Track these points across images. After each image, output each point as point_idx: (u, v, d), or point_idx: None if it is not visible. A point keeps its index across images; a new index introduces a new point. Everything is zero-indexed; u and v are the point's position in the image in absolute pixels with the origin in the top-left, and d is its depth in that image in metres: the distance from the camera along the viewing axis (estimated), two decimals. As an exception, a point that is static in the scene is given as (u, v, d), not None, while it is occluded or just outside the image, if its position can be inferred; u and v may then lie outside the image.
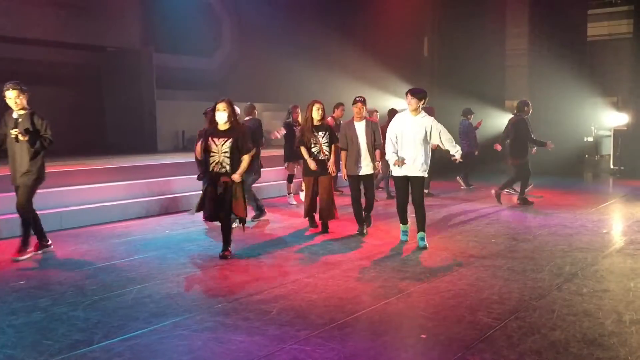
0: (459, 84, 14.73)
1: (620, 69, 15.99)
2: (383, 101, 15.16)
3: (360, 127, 7.29)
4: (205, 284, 5.46)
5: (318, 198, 7.54)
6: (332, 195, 7.54)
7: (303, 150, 7.47)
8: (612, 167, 15.19)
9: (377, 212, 8.42)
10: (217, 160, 6.05)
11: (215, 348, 3.89)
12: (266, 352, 3.79)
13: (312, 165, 7.40)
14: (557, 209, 9.46)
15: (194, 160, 8.22)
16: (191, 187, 9.35)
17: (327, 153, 7.47)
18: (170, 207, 9.36)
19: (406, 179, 6.68)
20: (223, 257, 6.21)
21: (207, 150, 6.12)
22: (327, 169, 7.47)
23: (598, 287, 5.14)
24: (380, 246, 6.82)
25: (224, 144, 6.03)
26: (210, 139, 6.08)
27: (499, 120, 13.89)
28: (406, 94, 6.63)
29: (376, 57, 15.61)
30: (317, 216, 7.66)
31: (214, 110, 6.23)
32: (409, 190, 6.73)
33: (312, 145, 7.44)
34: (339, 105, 10.59)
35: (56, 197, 8.23)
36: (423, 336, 4.08)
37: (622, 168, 14.64)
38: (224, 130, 6.09)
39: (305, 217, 7.85)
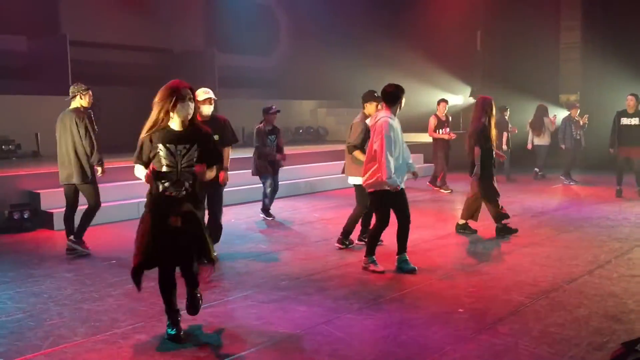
0: (511, 79, 14.94)
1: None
2: (434, 97, 15.58)
3: None
4: (269, 266, 6.19)
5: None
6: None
7: (478, 151, 7.26)
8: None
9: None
10: (173, 180, 3.99)
11: (281, 315, 4.59)
12: (325, 319, 4.46)
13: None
14: (603, 201, 9.76)
15: (251, 155, 8.85)
16: (245, 181, 10.07)
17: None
18: (231, 200, 10.16)
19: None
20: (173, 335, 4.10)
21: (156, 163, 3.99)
22: None
23: (627, 273, 5.58)
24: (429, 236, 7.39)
25: (186, 152, 3.99)
26: (159, 144, 3.98)
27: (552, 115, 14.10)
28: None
29: (428, 53, 15.97)
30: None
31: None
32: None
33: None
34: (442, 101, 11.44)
35: (131, 189, 9.16)
36: (460, 310, 4.67)
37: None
38: (185, 131, 4.02)
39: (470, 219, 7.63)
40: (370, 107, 6.55)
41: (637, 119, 10.00)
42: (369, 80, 16.71)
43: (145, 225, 3.99)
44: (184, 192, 4.00)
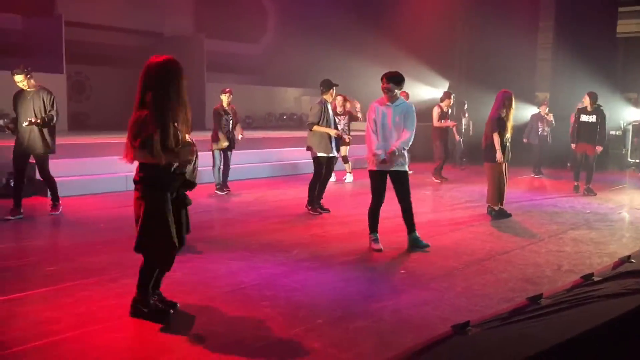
0: (489, 74, 15.51)
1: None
2: (415, 89, 16.27)
3: None
4: (243, 234, 6.92)
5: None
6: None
7: (497, 137, 7.83)
8: (629, 160, 16.04)
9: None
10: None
11: (248, 271, 5.34)
12: (285, 274, 5.22)
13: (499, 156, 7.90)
14: (558, 192, 10.61)
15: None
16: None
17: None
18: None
19: (385, 174, 6.16)
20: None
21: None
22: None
23: (554, 249, 6.39)
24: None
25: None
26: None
27: (527, 113, 14.89)
28: (382, 79, 6.14)
29: (409, 47, 16.61)
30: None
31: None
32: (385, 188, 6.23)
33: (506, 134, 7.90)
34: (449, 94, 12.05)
35: (122, 164, 9.83)
36: (402, 271, 5.46)
37: (638, 161, 15.50)
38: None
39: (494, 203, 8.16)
40: (327, 94, 7.99)
41: (594, 116, 10.71)
42: (351, 70, 17.51)
43: (163, 206, 3.88)
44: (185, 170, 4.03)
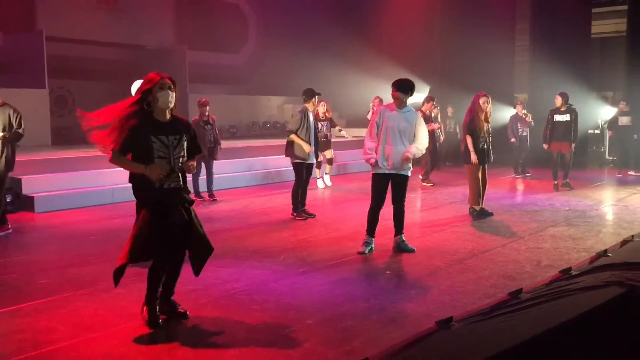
0: (468, 77, 15.73)
1: (617, 65, 17.11)
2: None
3: None
4: (230, 241, 7.04)
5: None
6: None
7: (469, 139, 8.12)
8: (607, 157, 16.40)
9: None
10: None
11: (237, 277, 5.46)
12: (274, 279, 5.35)
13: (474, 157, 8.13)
14: (538, 191, 10.86)
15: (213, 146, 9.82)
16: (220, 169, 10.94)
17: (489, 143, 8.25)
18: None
19: (389, 177, 6.30)
20: (178, 313, 4.34)
21: (143, 155, 3.99)
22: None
23: (534, 246, 6.60)
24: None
25: (177, 142, 4.09)
26: (151, 136, 4.00)
27: (507, 114, 15.17)
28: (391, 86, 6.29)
29: (390, 54, 16.91)
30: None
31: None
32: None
33: (481, 136, 8.12)
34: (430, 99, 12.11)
35: (108, 176, 9.90)
36: (388, 272, 5.63)
37: (615, 158, 15.84)
38: (170, 122, 4.14)
39: (474, 204, 8.32)
40: (309, 103, 8.16)
41: (567, 115, 11.04)
42: (333, 77, 17.73)
43: (145, 221, 3.96)
44: (181, 183, 4.10)
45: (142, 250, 3.96)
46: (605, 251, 5.79)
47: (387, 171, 6.23)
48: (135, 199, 4.18)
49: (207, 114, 9.89)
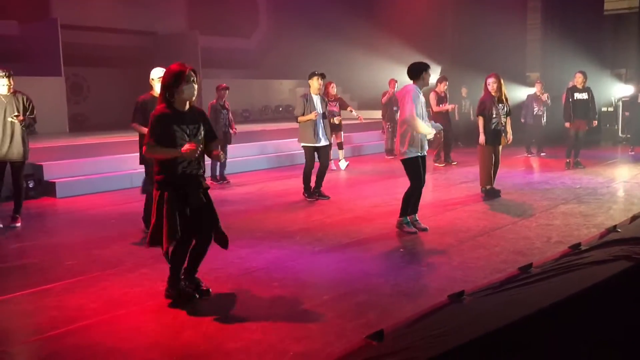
0: (480, 57, 15.63)
1: (630, 42, 16.95)
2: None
3: None
4: (248, 223, 7.23)
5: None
6: None
7: (480, 120, 8.30)
8: (620, 135, 16.37)
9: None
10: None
11: (255, 257, 5.65)
12: (291, 258, 5.54)
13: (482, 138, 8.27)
14: (550, 170, 10.94)
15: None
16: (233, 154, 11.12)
17: (503, 124, 8.32)
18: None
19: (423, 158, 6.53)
20: (204, 290, 4.54)
21: (167, 145, 4.21)
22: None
23: (545, 223, 6.72)
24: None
25: (196, 131, 4.34)
26: (174, 125, 4.23)
27: (520, 93, 15.18)
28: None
29: (401, 34, 16.87)
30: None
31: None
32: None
33: (493, 117, 8.22)
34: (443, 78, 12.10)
35: (126, 162, 10.13)
36: (401, 249, 5.80)
37: (629, 136, 15.80)
38: (189, 111, 4.37)
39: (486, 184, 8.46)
40: (312, 83, 8.33)
41: (586, 93, 11.07)
42: (344, 59, 17.79)
43: (168, 205, 4.19)
44: (201, 170, 4.37)
45: (178, 228, 4.20)
46: (615, 227, 5.92)
47: (421, 154, 6.41)
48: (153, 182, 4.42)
49: (224, 98, 10.13)
